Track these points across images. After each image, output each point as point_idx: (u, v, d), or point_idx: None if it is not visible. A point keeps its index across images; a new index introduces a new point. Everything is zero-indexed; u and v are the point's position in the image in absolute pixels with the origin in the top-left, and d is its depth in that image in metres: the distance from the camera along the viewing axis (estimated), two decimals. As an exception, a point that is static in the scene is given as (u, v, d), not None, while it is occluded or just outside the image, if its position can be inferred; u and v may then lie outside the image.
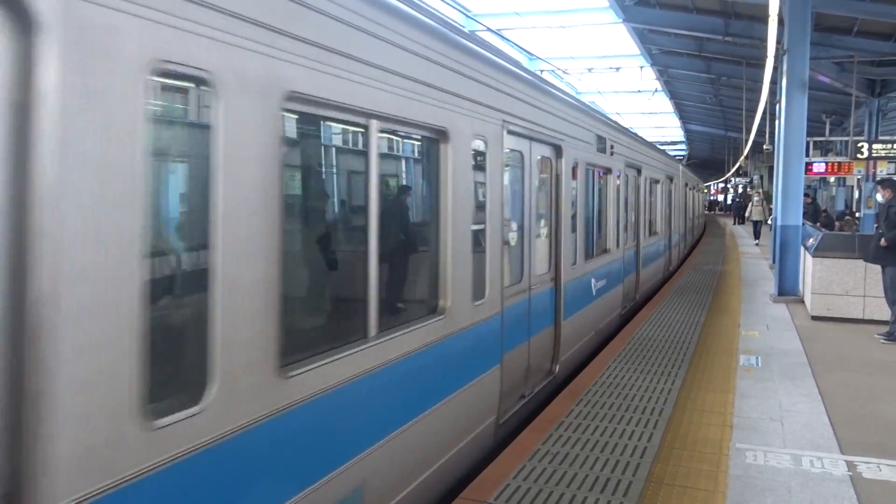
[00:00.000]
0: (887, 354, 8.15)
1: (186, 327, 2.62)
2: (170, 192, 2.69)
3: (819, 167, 20.95)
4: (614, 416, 5.72)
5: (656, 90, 29.24)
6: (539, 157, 6.42)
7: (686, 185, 21.31)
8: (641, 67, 23.19)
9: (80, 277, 1.96)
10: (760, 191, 33.37)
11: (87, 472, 2.00)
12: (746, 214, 29.44)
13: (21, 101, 1.84)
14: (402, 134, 4.20)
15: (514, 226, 5.82)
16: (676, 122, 43.18)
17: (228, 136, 2.52)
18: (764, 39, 12.41)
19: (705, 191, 38.61)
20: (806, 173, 15.11)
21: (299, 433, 2.96)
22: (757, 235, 25.89)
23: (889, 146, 19.27)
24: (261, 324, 2.70)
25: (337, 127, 3.71)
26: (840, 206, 31.17)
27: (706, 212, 49.03)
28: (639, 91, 27.56)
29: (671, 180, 16.60)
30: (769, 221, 23.22)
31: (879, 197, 9.05)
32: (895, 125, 31.20)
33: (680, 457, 4.91)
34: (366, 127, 3.49)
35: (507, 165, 5.51)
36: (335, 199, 3.98)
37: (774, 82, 14.90)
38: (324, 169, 3.90)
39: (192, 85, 2.55)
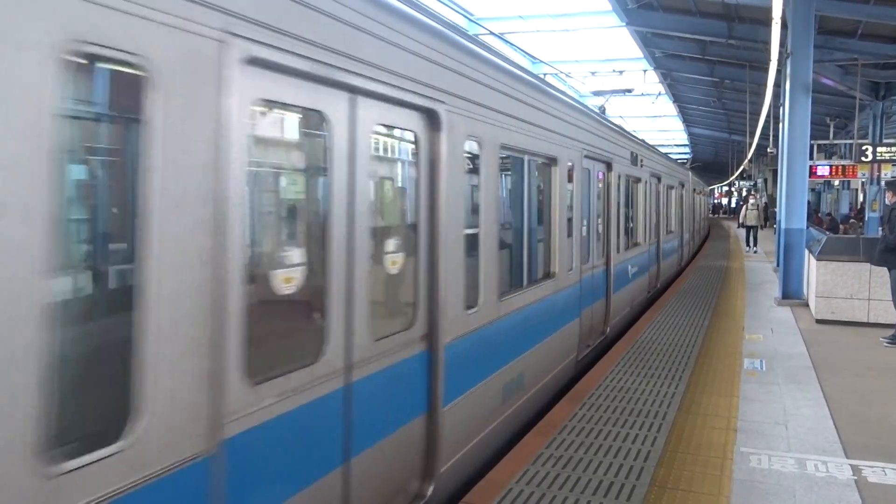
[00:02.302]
0: (892, 358, 8.12)
1: None
2: None
3: (823, 170, 20.96)
4: (618, 420, 5.71)
5: (660, 93, 29.22)
6: (374, 130, 3.56)
7: (681, 184, 18.80)
8: (645, 71, 23.18)
9: None
10: (756, 193, 32.45)
11: None
12: (741, 220, 25.87)
13: None
14: None
15: (292, 257, 3.03)
16: (680, 125, 43.17)
17: None
18: (767, 43, 12.40)
19: (705, 193, 38.11)
20: (810, 176, 15.09)
21: None
22: (754, 242, 23.26)
23: (893, 149, 19.23)
24: None
25: None
26: (844, 210, 31.13)
27: (711, 215, 49.03)
28: (642, 94, 27.56)
29: (658, 180, 14.17)
30: (764, 226, 22.25)
31: (887, 199, 9.05)
32: (899, 128, 31.13)
33: (684, 461, 4.89)
34: None
35: (264, 138, 3.00)
36: None
37: (778, 85, 14.89)
38: None
39: None
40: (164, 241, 2.20)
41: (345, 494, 3.30)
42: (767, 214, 30.79)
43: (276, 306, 2.99)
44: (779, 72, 13.78)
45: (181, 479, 2.26)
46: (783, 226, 12.89)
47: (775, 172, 24.81)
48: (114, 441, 2.07)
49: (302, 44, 2.85)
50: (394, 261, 3.86)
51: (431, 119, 4.08)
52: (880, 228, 9.20)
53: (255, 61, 2.62)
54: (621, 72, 21.56)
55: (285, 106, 3.02)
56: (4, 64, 1.76)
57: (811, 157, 15.90)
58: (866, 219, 23.54)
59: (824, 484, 4.53)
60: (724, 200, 72.37)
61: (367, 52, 3.34)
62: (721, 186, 71.27)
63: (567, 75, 22.50)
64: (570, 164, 7.14)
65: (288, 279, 2.97)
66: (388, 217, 4.08)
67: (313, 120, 3.19)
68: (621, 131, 10.76)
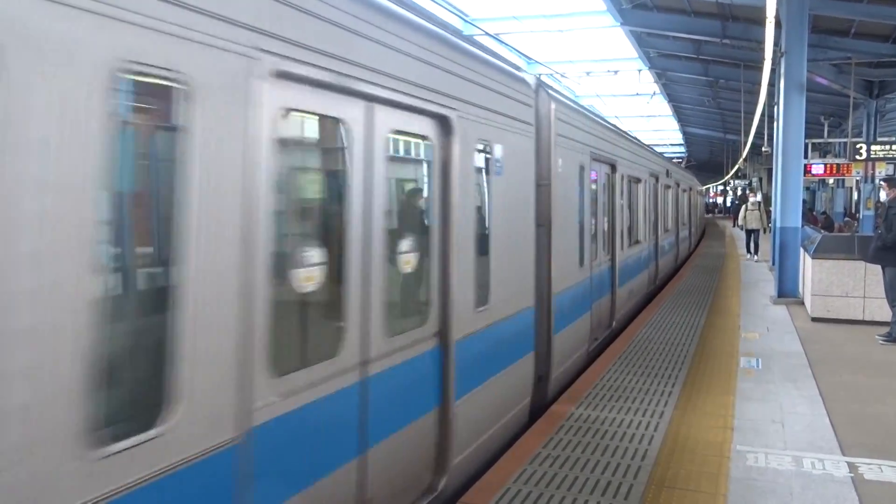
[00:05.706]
0: (887, 355, 8.14)
1: None
2: None
3: (818, 169, 20.99)
4: (615, 419, 5.71)
5: (654, 93, 29.27)
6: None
7: (655, 177, 13.90)
8: (639, 71, 23.21)
9: None
10: (754, 192, 31.15)
11: None
12: (739, 222, 22.55)
13: None
14: None
15: None
16: (675, 125, 43.24)
17: None
18: (761, 42, 12.43)
19: (700, 192, 37.54)
20: (805, 175, 15.12)
21: None
22: (755, 248, 20.34)
23: (887, 147, 19.31)
24: None
25: None
26: (839, 208, 31.24)
27: (706, 214, 49.16)
28: (637, 94, 27.63)
29: (613, 168, 9.42)
30: (767, 230, 19.66)
31: (883, 195, 9.05)
32: (893, 126, 31.27)
33: (681, 459, 4.90)
34: None
35: None
36: None
37: (772, 84, 14.94)
38: None
39: None
40: None
41: None
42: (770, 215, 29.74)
43: None
44: (773, 71, 13.83)
45: None
46: (778, 224, 12.93)
47: (770, 171, 24.77)
48: None
49: None
50: None
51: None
52: (875, 225, 9.22)
53: None
54: (616, 71, 21.61)
55: None
56: None
57: (806, 156, 15.91)
58: (860, 217, 23.61)
59: (821, 481, 4.54)
60: (720, 199, 72.65)
61: None
62: (716, 185, 71.46)
63: (562, 75, 22.53)
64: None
65: None
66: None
67: None
68: (506, 72, 5.41)
